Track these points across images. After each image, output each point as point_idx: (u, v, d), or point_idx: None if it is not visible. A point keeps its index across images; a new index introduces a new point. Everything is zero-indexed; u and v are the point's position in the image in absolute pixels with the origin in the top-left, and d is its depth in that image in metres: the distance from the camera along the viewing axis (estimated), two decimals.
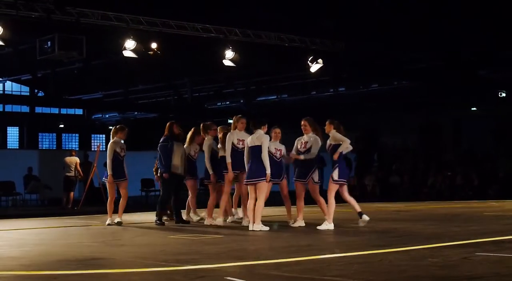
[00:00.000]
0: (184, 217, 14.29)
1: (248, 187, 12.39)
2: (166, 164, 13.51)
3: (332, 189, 12.34)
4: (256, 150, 12.11)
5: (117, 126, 14.21)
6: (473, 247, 9.07)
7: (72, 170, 21.12)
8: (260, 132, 12.23)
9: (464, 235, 10.87)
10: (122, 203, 13.98)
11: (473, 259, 8.01)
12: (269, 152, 12.24)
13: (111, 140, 13.99)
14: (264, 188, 12.11)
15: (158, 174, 14.03)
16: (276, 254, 8.86)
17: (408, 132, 33.87)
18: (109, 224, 13.81)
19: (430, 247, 9.18)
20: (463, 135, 33.51)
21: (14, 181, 22.72)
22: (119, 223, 13.77)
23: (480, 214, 16.20)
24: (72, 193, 21.24)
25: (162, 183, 13.92)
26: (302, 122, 12.84)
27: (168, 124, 13.81)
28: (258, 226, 12.00)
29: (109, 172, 13.79)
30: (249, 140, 12.28)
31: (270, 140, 12.35)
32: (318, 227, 12.27)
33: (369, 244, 9.57)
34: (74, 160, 21.30)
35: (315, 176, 12.52)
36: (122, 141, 14.01)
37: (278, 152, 12.63)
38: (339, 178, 12.21)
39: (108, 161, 13.77)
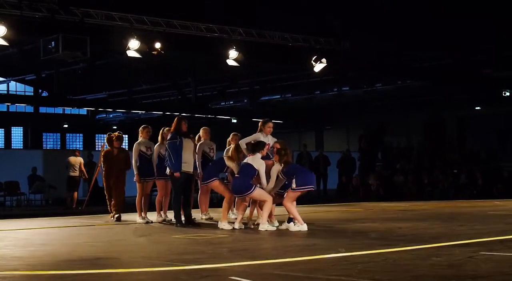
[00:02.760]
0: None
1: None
2: (176, 162, 12.92)
3: (290, 197, 12.13)
4: (247, 167, 12.25)
5: (141, 127, 14.70)
6: (477, 246, 9.06)
7: (76, 170, 21.09)
8: (258, 156, 12.30)
9: (469, 234, 10.86)
10: (144, 201, 14.51)
11: (477, 258, 8.01)
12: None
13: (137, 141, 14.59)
14: (259, 195, 12.17)
15: (168, 173, 13.49)
16: (281, 253, 8.86)
17: (413, 131, 33.86)
18: (147, 222, 14.22)
19: (434, 246, 9.18)
20: (467, 134, 33.49)
21: (19, 181, 22.75)
22: (147, 222, 14.23)
23: (485, 213, 16.18)
24: (76, 193, 21.24)
25: (172, 182, 13.44)
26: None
27: (175, 119, 13.30)
28: (264, 226, 12.03)
29: (135, 171, 14.32)
30: (247, 158, 12.41)
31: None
32: (291, 229, 12.05)
33: (374, 244, 9.57)
34: (78, 160, 21.26)
35: (293, 183, 12.10)
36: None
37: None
38: (297, 186, 12.05)
39: (133, 161, 14.38)
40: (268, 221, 12.33)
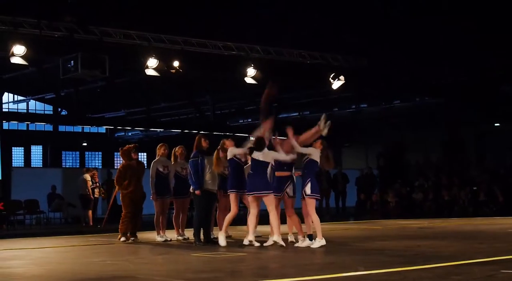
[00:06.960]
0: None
1: (249, 198, 12.50)
2: (198, 181, 13.04)
3: (310, 204, 12.10)
4: (259, 165, 12.22)
5: (158, 145, 14.72)
6: (497, 265, 8.98)
7: (86, 189, 21.33)
8: (266, 150, 12.28)
9: (489, 252, 10.77)
10: (162, 219, 14.53)
11: (497, 276, 7.94)
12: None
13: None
14: (270, 201, 12.15)
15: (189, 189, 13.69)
16: (300, 271, 8.83)
17: (431, 148, 33.67)
18: (165, 240, 14.30)
19: (454, 264, 9.11)
20: (486, 151, 33.28)
21: (38, 200, 22.82)
22: (166, 240, 14.26)
23: (505, 231, 16.04)
24: (90, 211, 21.33)
25: (195, 201, 13.44)
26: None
27: (196, 138, 13.46)
28: (277, 238, 12.06)
29: (152, 190, 14.34)
30: (256, 155, 12.33)
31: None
32: (312, 246, 11.90)
33: (392, 262, 9.51)
34: (84, 178, 21.49)
35: (290, 190, 12.40)
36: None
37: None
38: (311, 192, 12.04)
39: (151, 179, 14.37)
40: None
